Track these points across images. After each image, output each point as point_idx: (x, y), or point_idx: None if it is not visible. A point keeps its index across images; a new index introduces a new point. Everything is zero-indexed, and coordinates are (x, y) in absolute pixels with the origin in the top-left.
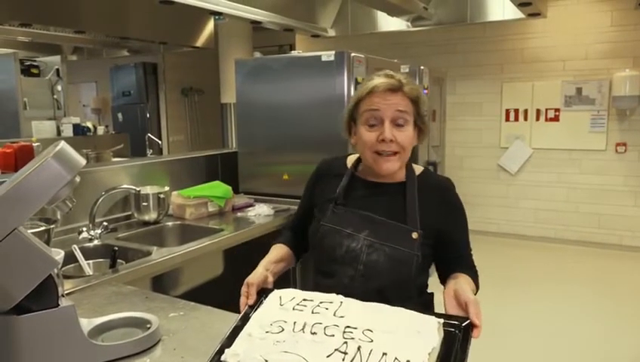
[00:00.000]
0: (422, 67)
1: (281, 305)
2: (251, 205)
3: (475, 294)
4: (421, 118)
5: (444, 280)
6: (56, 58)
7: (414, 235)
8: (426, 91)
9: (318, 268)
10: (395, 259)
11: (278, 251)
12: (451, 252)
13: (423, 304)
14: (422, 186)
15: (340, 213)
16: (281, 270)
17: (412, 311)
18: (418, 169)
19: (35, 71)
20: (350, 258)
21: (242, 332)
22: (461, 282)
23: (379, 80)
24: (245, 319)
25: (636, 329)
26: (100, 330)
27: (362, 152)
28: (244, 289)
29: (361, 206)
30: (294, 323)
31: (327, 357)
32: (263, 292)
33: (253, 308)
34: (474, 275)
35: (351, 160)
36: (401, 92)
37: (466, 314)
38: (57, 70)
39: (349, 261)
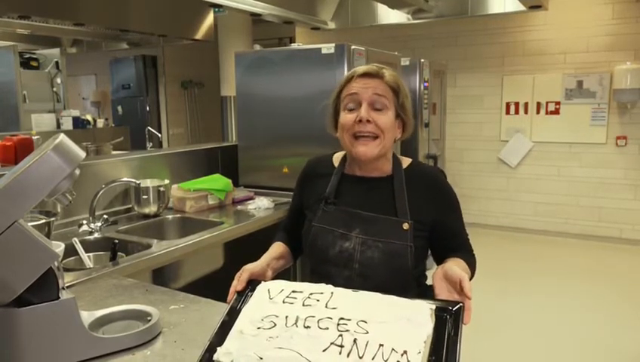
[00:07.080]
0: (422, 60)
1: (270, 299)
2: (251, 198)
3: (470, 279)
4: (403, 109)
5: None
6: (56, 51)
7: (405, 226)
8: (426, 84)
9: (313, 269)
10: (390, 253)
11: (278, 248)
12: (449, 240)
13: (422, 295)
14: (410, 178)
15: (331, 212)
16: (280, 267)
17: (404, 299)
18: (406, 161)
19: (34, 64)
20: (344, 258)
21: (233, 329)
22: (449, 264)
23: (359, 67)
24: (232, 313)
25: (637, 322)
26: (100, 323)
27: (342, 139)
28: (238, 274)
29: (352, 203)
30: (286, 317)
31: (324, 351)
32: (250, 284)
33: (240, 299)
34: (472, 260)
35: (337, 158)
36: (379, 78)
37: (458, 294)
38: (57, 63)
39: (344, 261)
